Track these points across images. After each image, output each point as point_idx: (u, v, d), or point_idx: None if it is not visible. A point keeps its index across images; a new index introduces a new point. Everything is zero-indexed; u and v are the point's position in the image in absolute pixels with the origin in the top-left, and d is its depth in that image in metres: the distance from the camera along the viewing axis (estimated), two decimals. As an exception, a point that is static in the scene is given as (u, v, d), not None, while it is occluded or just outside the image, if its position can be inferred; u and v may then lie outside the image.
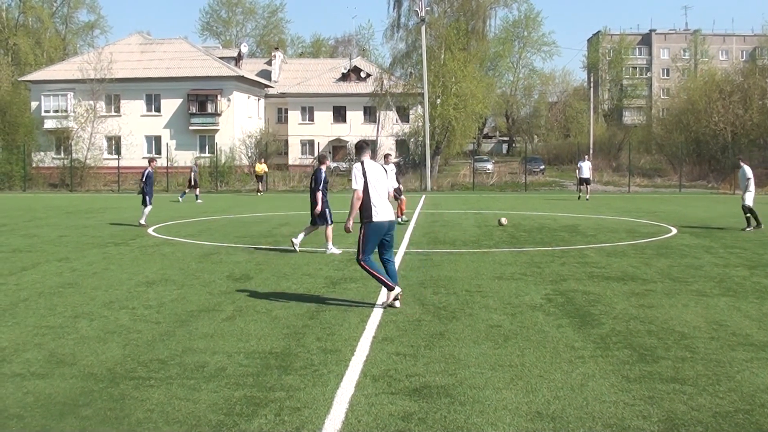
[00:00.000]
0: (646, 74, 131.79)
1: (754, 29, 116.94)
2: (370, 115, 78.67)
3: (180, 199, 39.38)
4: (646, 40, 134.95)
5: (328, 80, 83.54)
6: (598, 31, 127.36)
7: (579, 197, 41.43)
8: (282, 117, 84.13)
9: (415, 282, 13.13)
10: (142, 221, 24.43)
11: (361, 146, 11.33)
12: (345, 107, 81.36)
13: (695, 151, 66.41)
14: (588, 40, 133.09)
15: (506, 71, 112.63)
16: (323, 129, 79.89)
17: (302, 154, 79.00)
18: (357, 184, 10.77)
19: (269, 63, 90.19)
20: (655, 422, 6.30)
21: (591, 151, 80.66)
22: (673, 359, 8.21)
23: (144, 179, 24.92)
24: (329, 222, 17.47)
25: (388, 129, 71.35)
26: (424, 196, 42.89)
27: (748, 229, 22.74)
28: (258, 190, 49.49)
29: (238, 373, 7.65)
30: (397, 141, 73.07)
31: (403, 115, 71.24)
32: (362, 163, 10.98)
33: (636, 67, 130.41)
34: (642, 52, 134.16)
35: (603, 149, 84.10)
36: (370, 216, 10.75)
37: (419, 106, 62.61)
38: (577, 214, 29.43)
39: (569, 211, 30.90)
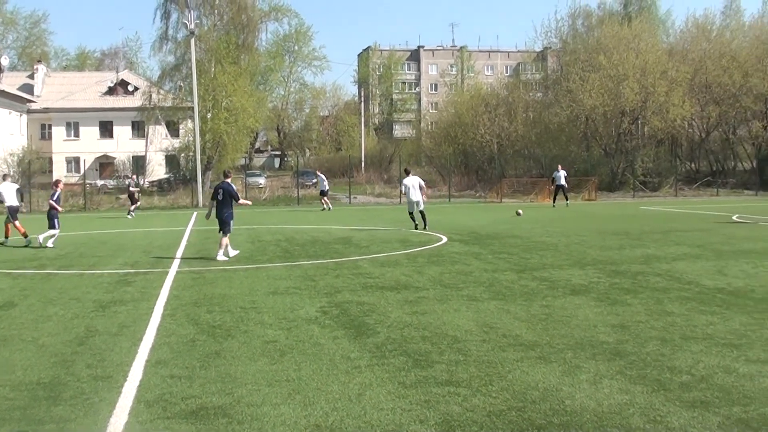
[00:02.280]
0: (416, 89, 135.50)
1: (518, 46, 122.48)
2: (139, 130, 77.06)
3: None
4: (414, 55, 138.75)
5: (94, 94, 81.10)
6: (368, 47, 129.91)
7: (323, 209, 43.09)
8: (46, 133, 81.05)
9: (189, 301, 12.85)
10: (50, 243, 23.14)
11: None
12: (112, 122, 79.36)
13: (463, 162, 68.95)
14: (358, 55, 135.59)
15: (277, 85, 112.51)
16: (90, 145, 77.45)
17: (68, 171, 75.87)
18: None
19: (31, 76, 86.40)
20: (432, 425, 6.41)
21: (363, 164, 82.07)
22: (447, 363, 8.40)
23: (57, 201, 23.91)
24: (229, 232, 19.32)
25: (158, 144, 70.12)
26: (195, 213, 42.17)
27: (421, 230, 26.06)
28: None
29: (4, 407, 7.21)
30: (167, 156, 71.84)
31: (174, 130, 70.15)
32: None
33: (405, 82, 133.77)
34: (411, 67, 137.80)
35: (374, 162, 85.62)
36: None
37: (189, 121, 61.78)
38: (350, 226, 29.76)
39: (343, 224, 31.22)
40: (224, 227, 19.21)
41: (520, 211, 27.36)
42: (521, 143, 68.11)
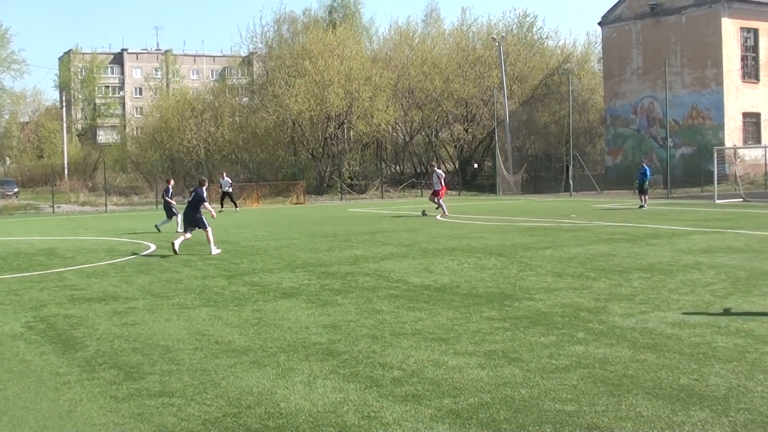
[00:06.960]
0: (119, 93, 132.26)
1: (223, 50, 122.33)
2: None
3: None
4: (118, 59, 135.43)
5: None
6: (70, 50, 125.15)
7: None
8: None
9: None
10: (180, 229, 26.54)
11: None
12: None
13: (171, 168, 67.98)
14: (59, 59, 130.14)
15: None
16: None
17: None
18: None
19: None
20: (146, 439, 6.31)
21: (66, 172, 79.01)
22: (159, 373, 8.28)
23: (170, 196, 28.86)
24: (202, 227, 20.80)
25: None
26: None
27: None
28: None
29: None
30: None
31: None
32: None
33: (109, 86, 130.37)
34: (114, 71, 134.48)
35: (78, 169, 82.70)
36: None
37: None
38: (54, 236, 28.59)
39: (46, 234, 29.92)
40: (197, 225, 20.91)
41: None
42: (228, 148, 68.15)
